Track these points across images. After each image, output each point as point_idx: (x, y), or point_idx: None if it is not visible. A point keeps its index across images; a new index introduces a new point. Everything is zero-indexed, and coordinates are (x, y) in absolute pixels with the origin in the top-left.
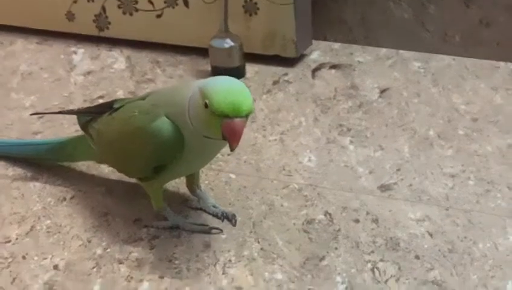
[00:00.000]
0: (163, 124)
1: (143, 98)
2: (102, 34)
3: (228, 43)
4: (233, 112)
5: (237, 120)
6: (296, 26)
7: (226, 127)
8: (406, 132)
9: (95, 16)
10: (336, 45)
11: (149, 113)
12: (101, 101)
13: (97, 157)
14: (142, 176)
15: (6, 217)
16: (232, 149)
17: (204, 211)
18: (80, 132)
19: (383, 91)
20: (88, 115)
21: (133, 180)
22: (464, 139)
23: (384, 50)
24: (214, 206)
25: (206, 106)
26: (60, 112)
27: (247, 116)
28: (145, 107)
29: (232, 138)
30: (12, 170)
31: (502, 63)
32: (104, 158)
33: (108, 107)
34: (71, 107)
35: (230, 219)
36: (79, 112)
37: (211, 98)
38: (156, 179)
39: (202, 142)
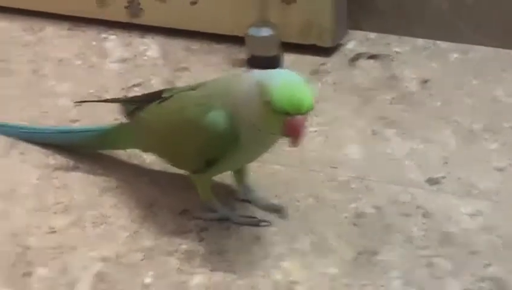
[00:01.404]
0: (218, 117)
1: (193, 89)
2: (134, 20)
3: (266, 31)
4: (294, 110)
5: (299, 117)
6: (334, 15)
7: (288, 124)
8: (450, 124)
9: (128, 2)
10: (372, 35)
11: (202, 105)
12: (136, 89)
13: (143, 146)
14: (192, 168)
15: (50, 206)
16: (293, 146)
17: (252, 203)
18: (119, 120)
19: (423, 82)
20: (134, 104)
21: (178, 170)
22: (509, 132)
23: (420, 40)
24: (262, 199)
25: (266, 102)
26: (106, 100)
27: (308, 112)
28: (197, 98)
29: (293, 135)
30: (53, 159)
31: None
32: (151, 148)
33: (157, 97)
34: (107, 95)
35: (278, 211)
36: (125, 100)
37: (272, 95)
38: (206, 172)
39: (258, 136)
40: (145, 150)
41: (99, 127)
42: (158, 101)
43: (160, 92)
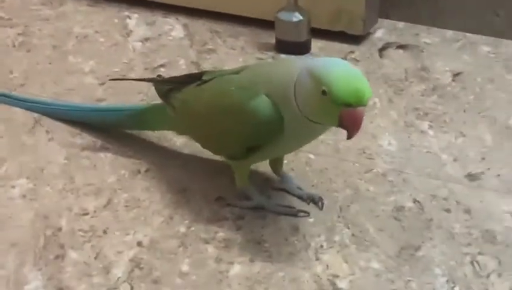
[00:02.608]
0: (263, 103)
1: (237, 72)
2: None
3: (297, 16)
4: (356, 101)
5: (359, 108)
6: (365, 2)
7: (347, 116)
8: (486, 118)
9: None
10: (400, 24)
11: (247, 90)
12: (162, 70)
13: (178, 128)
14: (232, 154)
15: (81, 187)
16: (350, 138)
17: (288, 192)
18: (146, 101)
19: (455, 75)
20: (169, 84)
21: (209, 154)
22: None
23: (450, 32)
24: (299, 188)
25: (323, 93)
26: (141, 79)
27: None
28: (242, 82)
29: (353, 127)
30: (80, 138)
31: None
32: (189, 131)
33: (196, 79)
34: (132, 74)
35: (316, 201)
36: (162, 81)
37: (330, 86)
38: (246, 159)
39: (305, 125)
40: (182, 132)
41: (132, 107)
42: (198, 83)
43: (201, 74)
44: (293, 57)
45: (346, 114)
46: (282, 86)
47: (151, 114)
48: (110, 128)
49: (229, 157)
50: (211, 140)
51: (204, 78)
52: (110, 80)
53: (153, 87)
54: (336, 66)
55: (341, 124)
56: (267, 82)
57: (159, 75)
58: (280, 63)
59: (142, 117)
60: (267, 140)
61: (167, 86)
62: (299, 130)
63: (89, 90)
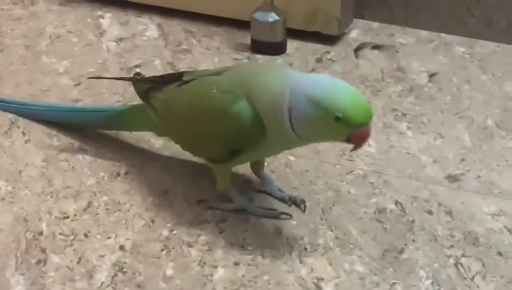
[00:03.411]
0: (245, 108)
1: (218, 73)
2: None
3: (272, 17)
4: (368, 120)
5: (368, 126)
6: (341, 2)
7: (359, 135)
8: (463, 119)
9: None
10: (375, 24)
11: (229, 92)
12: (138, 70)
13: (158, 129)
14: (214, 157)
15: (60, 190)
16: (355, 150)
17: (270, 194)
18: (122, 102)
19: (431, 75)
20: (148, 84)
21: (189, 156)
22: None
23: (425, 32)
24: (280, 190)
25: (337, 119)
26: (119, 78)
27: None
28: (223, 84)
29: (363, 143)
30: (58, 140)
31: None
32: (168, 133)
33: (175, 79)
34: (108, 75)
35: (298, 204)
36: (141, 80)
37: (344, 112)
38: (228, 162)
39: (291, 137)
40: (162, 134)
41: (111, 107)
42: (178, 83)
43: (180, 74)
44: (276, 64)
45: (358, 134)
46: (267, 101)
47: (131, 115)
48: (87, 129)
49: (211, 160)
50: (192, 142)
51: (184, 78)
52: (88, 78)
53: (130, 88)
54: (337, 88)
55: (350, 142)
56: (248, 86)
57: (137, 73)
58: (262, 70)
59: (121, 118)
60: (249, 143)
61: (146, 85)
62: (282, 138)
63: (64, 90)
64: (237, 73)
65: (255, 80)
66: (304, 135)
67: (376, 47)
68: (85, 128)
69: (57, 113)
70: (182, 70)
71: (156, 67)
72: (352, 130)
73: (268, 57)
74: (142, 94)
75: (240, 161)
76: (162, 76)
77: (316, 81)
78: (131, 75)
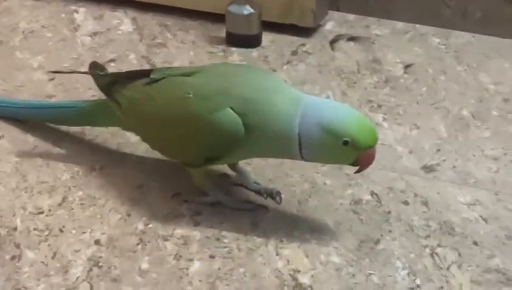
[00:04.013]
0: (227, 117)
1: (189, 74)
2: None
3: (247, 9)
4: (374, 143)
5: (373, 148)
6: None
7: (366, 157)
8: (439, 110)
9: None
10: (351, 16)
11: (208, 100)
12: (113, 64)
13: (124, 126)
14: (188, 162)
15: (34, 186)
16: (359, 172)
17: (246, 187)
18: (96, 97)
19: (407, 67)
20: (112, 78)
21: None
22: (499, 120)
23: (400, 24)
24: (256, 183)
25: (345, 143)
26: (82, 72)
27: None
28: (201, 90)
29: (369, 165)
30: (32, 136)
31: None
32: (135, 130)
33: (142, 75)
34: (83, 69)
35: (274, 196)
36: (105, 75)
37: (352, 136)
38: (203, 166)
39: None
40: (128, 129)
41: (77, 103)
42: (146, 81)
43: (148, 71)
44: (259, 71)
45: (365, 156)
46: (271, 121)
47: (96, 110)
48: (59, 124)
49: (184, 163)
50: (163, 145)
51: (153, 76)
52: (49, 71)
53: None
54: (344, 113)
55: (356, 164)
56: (236, 96)
57: (100, 67)
58: (252, 79)
59: (89, 113)
60: (227, 152)
61: (108, 79)
62: (278, 153)
63: (38, 86)
64: (215, 77)
65: (255, 95)
66: (310, 158)
67: (352, 39)
68: (58, 125)
69: (24, 110)
70: (157, 64)
71: (131, 62)
72: (359, 153)
73: (243, 50)
74: (104, 88)
75: (215, 165)
76: (127, 72)
77: (323, 106)
78: (107, 70)
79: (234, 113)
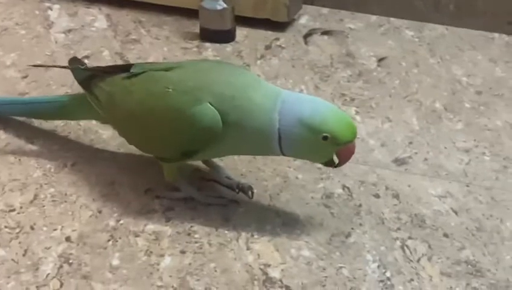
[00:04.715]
0: (206, 110)
1: (168, 69)
2: None
3: (221, 4)
4: (354, 137)
5: (353, 143)
6: None
7: (345, 152)
8: (412, 103)
9: None
10: (325, 10)
11: (187, 94)
12: (87, 61)
13: (101, 118)
14: (164, 157)
15: (6, 183)
16: (339, 166)
17: (218, 182)
18: (69, 92)
19: (380, 60)
20: (91, 72)
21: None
22: (471, 112)
23: (374, 17)
24: (228, 178)
25: (324, 138)
26: (62, 66)
27: None
28: (180, 84)
29: (348, 160)
30: (4, 133)
31: (496, 34)
32: (113, 125)
33: (122, 70)
34: None
35: (246, 191)
36: (87, 70)
37: (333, 131)
38: (178, 161)
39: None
40: (105, 122)
41: (54, 97)
42: (125, 75)
43: (128, 66)
44: (237, 69)
45: (344, 151)
46: (250, 118)
47: (73, 104)
48: (36, 119)
49: (160, 159)
50: (140, 140)
51: (133, 70)
52: (29, 65)
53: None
54: (323, 109)
55: (339, 160)
56: (215, 92)
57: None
58: (231, 76)
59: (66, 107)
60: (204, 147)
61: (87, 74)
62: (257, 150)
63: (11, 83)
64: (195, 74)
65: (234, 92)
66: (290, 153)
67: (325, 33)
68: (31, 120)
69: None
70: (131, 60)
71: (105, 58)
72: (338, 148)
73: (217, 45)
74: (83, 82)
75: (190, 160)
76: (107, 66)
77: (301, 101)
78: (87, 64)
79: (212, 108)
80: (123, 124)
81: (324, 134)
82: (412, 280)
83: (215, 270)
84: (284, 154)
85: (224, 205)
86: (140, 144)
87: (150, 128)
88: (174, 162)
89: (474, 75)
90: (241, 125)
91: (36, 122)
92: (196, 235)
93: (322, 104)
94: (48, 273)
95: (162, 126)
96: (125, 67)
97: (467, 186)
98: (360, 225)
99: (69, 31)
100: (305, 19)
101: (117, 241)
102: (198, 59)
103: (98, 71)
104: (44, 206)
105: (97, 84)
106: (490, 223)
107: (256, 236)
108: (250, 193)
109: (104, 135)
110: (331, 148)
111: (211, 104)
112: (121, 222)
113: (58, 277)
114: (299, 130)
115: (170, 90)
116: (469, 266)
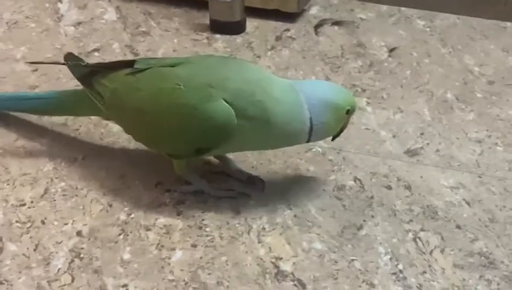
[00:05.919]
0: (220, 107)
1: (174, 65)
2: None
3: None
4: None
5: None
6: None
7: (348, 121)
8: (423, 93)
9: None
10: (335, 0)
11: (200, 91)
12: (97, 54)
13: (104, 114)
14: (176, 154)
15: (17, 178)
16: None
17: (228, 175)
18: (79, 86)
19: (391, 50)
20: (91, 68)
21: None
22: (483, 102)
23: (385, 7)
24: (239, 171)
25: (347, 112)
26: (56, 63)
27: None
28: (191, 81)
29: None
30: (15, 127)
31: (508, 23)
32: (118, 121)
33: (125, 66)
34: None
35: (257, 183)
36: (88, 66)
37: (351, 103)
38: (190, 158)
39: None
40: (108, 119)
41: (59, 93)
42: (129, 71)
43: (131, 61)
44: (245, 63)
45: (348, 120)
46: (278, 111)
47: (77, 100)
48: (40, 115)
49: (170, 156)
50: (150, 137)
51: (136, 66)
52: (26, 62)
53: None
54: (334, 87)
55: (344, 129)
56: (230, 88)
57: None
58: (243, 72)
59: (69, 103)
60: (218, 144)
61: (87, 70)
62: (279, 142)
63: (21, 77)
64: (204, 70)
65: (248, 87)
66: (316, 138)
67: (336, 23)
68: (39, 116)
69: (5, 102)
70: (141, 53)
71: (115, 51)
72: (346, 118)
73: (227, 37)
74: (83, 78)
75: (203, 157)
76: (108, 63)
77: (315, 87)
78: (89, 60)
79: (227, 105)
80: (130, 121)
81: (347, 108)
82: (424, 272)
83: (227, 264)
84: (308, 142)
85: (235, 197)
86: (148, 141)
87: (160, 126)
88: (184, 158)
89: (486, 64)
90: (264, 120)
91: (46, 117)
92: (207, 229)
93: (327, 84)
94: (59, 268)
95: (173, 123)
96: (127, 63)
97: (480, 177)
98: (372, 217)
99: (79, 23)
100: (315, 10)
101: (128, 235)
102: (203, 54)
103: (97, 67)
104: (55, 200)
105: (99, 81)
106: (503, 214)
107: (267, 229)
108: (261, 185)
109: (114, 129)
110: (346, 119)
111: (225, 101)
112: (132, 215)
113: (70, 271)
114: (329, 113)
115: (181, 86)
116: (482, 257)
